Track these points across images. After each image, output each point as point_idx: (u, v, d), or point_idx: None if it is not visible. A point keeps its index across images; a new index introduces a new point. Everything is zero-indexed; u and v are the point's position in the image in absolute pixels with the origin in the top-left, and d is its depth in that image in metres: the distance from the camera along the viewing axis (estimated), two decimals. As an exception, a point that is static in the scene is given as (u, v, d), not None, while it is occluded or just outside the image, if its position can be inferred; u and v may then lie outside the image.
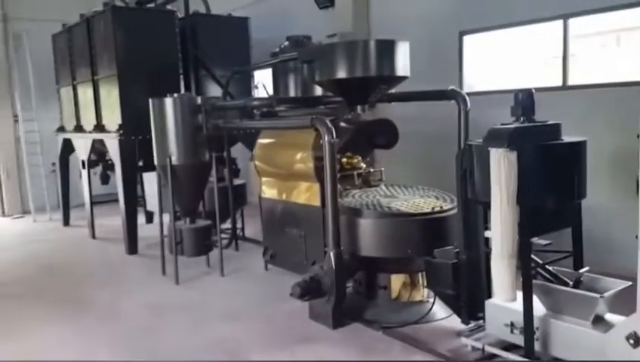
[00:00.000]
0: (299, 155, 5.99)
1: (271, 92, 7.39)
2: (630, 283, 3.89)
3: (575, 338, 3.89)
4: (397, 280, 5.18)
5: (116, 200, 8.31)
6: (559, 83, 6.50)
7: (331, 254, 4.93)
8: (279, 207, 6.44)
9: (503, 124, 4.12)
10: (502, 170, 3.81)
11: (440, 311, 5.14)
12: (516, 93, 4.21)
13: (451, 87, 5.81)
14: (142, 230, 8.42)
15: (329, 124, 4.87)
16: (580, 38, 6.53)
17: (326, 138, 4.84)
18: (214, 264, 7.03)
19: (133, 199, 8.16)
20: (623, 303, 3.88)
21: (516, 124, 4.06)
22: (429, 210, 4.98)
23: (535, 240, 4.11)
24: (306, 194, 6.04)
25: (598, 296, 3.81)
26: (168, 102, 6.43)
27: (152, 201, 8.36)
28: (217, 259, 6.83)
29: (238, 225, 8.27)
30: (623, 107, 5.84)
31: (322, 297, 4.99)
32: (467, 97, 5.68)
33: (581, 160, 4.07)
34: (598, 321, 3.90)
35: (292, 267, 6.35)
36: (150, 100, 6.61)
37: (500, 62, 7.55)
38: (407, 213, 4.94)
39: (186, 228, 6.63)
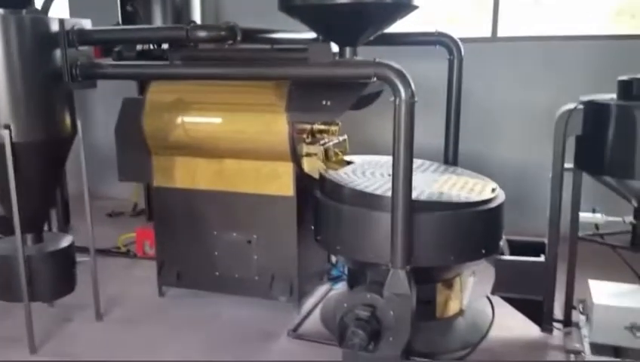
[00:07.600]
0: (259, 122, 3.91)
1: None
2: None
3: None
4: (442, 291, 3.81)
5: None
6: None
7: (400, 274, 3.25)
8: (199, 199, 4.21)
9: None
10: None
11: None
12: None
13: (437, 30, 4.52)
14: None
15: (406, 74, 3.08)
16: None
17: (403, 95, 3.04)
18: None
19: None
20: None
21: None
22: (490, 195, 3.71)
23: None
24: (264, 179, 4.03)
25: None
26: (-10, 23, 3.36)
27: None
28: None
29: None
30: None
31: (382, 339, 3.30)
32: (460, 42, 4.50)
33: None
34: None
35: (225, 287, 4.30)
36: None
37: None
38: (476, 202, 3.56)
39: (39, 254, 3.72)
